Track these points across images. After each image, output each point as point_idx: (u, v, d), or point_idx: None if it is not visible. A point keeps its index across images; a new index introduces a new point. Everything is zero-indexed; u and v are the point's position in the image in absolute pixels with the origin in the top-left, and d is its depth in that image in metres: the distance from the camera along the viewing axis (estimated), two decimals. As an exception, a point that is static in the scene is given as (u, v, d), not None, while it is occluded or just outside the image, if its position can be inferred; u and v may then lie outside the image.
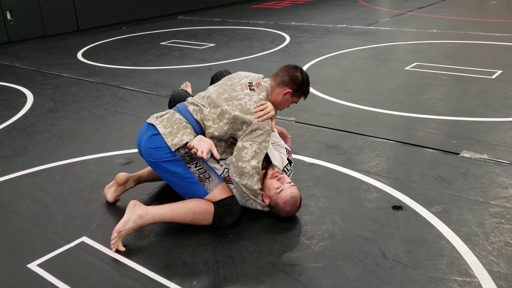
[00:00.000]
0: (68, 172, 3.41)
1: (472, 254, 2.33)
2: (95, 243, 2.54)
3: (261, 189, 2.66)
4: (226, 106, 2.63)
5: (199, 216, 2.57)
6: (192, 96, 2.93)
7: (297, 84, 2.77)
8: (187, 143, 2.53)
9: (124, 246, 2.48)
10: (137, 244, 2.54)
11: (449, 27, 8.31)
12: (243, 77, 2.81)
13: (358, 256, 2.36)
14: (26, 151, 3.81)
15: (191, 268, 2.33)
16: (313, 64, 6.16)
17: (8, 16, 8.58)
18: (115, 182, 2.95)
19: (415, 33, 7.90)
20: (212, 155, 2.52)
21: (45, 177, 3.34)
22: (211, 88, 2.82)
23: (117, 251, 2.46)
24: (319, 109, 4.46)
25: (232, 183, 2.67)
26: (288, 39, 7.87)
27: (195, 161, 2.57)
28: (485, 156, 3.34)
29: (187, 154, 2.55)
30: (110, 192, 2.94)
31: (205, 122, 2.64)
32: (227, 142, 2.72)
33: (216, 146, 2.63)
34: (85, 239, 2.58)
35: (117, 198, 2.97)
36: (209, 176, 2.60)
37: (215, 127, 2.63)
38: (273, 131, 2.72)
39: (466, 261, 2.28)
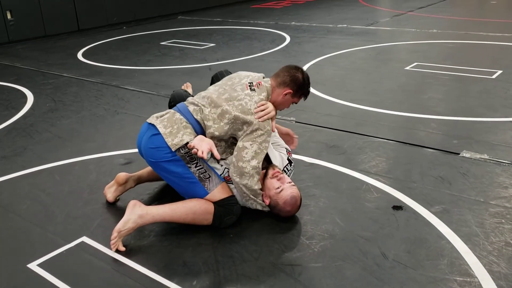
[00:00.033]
0: (68, 172, 3.41)
1: (472, 254, 2.33)
2: (95, 243, 2.54)
3: (261, 189, 2.66)
4: (226, 106, 2.62)
5: (199, 216, 2.57)
6: (192, 96, 2.92)
7: (297, 85, 2.77)
8: (187, 143, 2.53)
9: (124, 246, 2.48)
10: (137, 244, 2.54)
11: (449, 27, 8.31)
12: (243, 77, 2.81)
13: (358, 256, 2.36)
14: (26, 151, 3.81)
15: (191, 268, 2.33)
16: (313, 64, 6.16)
17: (8, 16, 8.58)
18: (115, 182, 2.95)
19: (415, 33, 7.90)
20: (212, 155, 2.52)
21: (45, 177, 3.34)
22: (212, 88, 2.82)
23: (117, 251, 2.46)
24: (319, 109, 4.46)
25: (232, 183, 2.67)
26: (288, 39, 7.87)
27: (195, 161, 2.57)
28: (485, 156, 3.34)
29: (187, 154, 2.55)
30: (110, 192, 2.94)
31: (205, 122, 2.64)
32: (228, 142, 2.72)
33: (216, 146, 2.63)
34: (85, 239, 2.58)
35: (117, 198, 2.97)
36: (209, 176, 2.60)
37: (216, 127, 2.63)
38: (273, 131, 2.72)
39: (466, 261, 2.28)
